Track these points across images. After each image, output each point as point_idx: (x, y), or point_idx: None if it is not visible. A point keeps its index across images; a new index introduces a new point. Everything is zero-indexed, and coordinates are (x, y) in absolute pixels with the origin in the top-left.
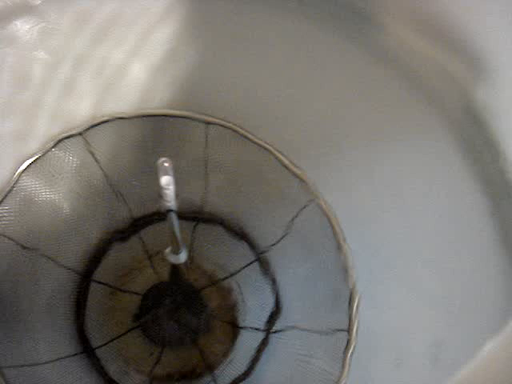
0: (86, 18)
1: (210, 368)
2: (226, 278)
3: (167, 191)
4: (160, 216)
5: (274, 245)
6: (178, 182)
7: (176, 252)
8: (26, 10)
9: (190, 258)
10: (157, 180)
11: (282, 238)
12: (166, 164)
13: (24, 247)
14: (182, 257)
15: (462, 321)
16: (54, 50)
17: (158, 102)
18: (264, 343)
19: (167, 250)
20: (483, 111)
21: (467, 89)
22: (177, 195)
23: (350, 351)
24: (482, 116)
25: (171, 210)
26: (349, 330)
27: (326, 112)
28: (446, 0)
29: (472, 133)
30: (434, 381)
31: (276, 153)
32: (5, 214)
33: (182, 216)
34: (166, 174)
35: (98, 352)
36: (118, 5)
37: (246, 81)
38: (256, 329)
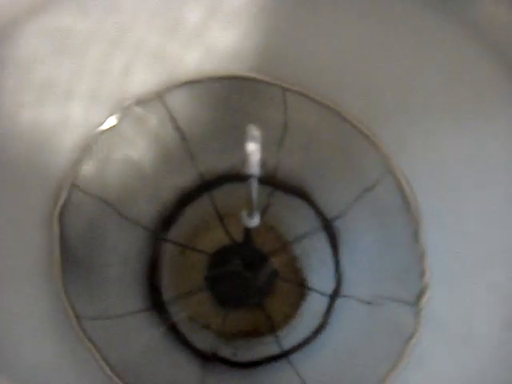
0: None
1: (274, 329)
2: (294, 242)
3: (253, 158)
4: (232, 179)
5: (343, 214)
6: None
7: (250, 216)
8: None
9: (262, 221)
10: (234, 144)
11: (352, 208)
12: (256, 132)
13: (103, 201)
14: (256, 221)
15: None
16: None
17: (237, 65)
18: (329, 311)
19: (242, 213)
20: None
21: None
22: (263, 163)
23: (416, 328)
24: None
25: (253, 176)
26: (416, 305)
27: (407, 83)
28: None
29: None
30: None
31: (353, 121)
32: (86, 171)
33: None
34: (254, 141)
35: (167, 308)
36: None
37: (325, 49)
38: (322, 293)
